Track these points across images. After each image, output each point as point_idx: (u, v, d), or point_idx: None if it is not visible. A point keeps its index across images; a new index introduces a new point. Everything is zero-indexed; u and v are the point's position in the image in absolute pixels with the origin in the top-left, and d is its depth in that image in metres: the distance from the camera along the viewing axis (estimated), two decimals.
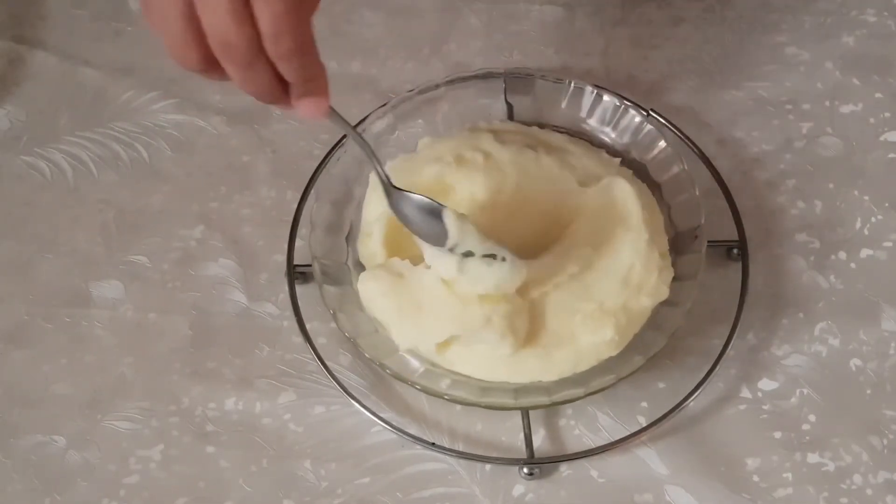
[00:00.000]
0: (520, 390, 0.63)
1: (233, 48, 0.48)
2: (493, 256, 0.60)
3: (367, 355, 0.63)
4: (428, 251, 0.62)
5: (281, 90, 0.52)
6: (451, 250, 0.60)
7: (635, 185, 0.68)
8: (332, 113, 0.55)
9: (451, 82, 0.74)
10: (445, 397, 0.62)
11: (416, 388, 0.62)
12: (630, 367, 0.62)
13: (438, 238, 0.60)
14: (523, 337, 0.63)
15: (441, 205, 0.60)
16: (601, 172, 0.69)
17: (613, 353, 0.63)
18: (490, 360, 0.63)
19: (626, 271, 0.64)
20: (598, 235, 0.65)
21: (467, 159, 0.68)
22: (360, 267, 0.68)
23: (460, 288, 0.61)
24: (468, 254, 0.60)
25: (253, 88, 0.51)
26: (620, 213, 0.66)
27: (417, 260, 0.63)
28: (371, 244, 0.67)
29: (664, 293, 0.64)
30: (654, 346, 0.63)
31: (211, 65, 0.50)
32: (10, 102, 0.80)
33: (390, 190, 0.61)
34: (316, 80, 0.52)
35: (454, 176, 0.67)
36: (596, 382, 0.62)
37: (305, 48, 0.50)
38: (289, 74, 0.51)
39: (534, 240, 0.66)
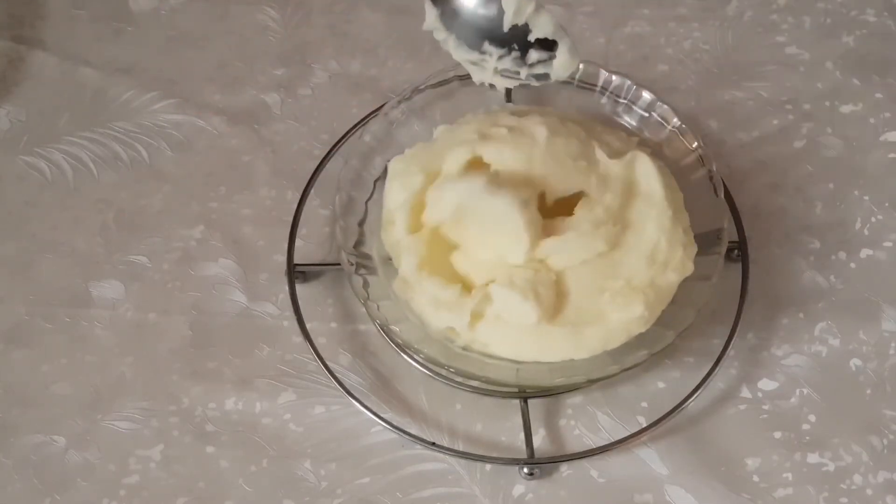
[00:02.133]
0: (554, 370, 0.63)
1: None
2: (549, 47, 0.56)
3: (400, 341, 0.63)
4: (474, 68, 0.59)
5: None
6: (503, 45, 0.57)
7: (655, 162, 0.68)
8: None
9: (461, 77, 0.74)
10: (481, 379, 0.62)
11: (450, 371, 0.62)
12: (662, 343, 0.62)
13: (489, 29, 0.57)
14: (549, 308, 0.62)
15: None
16: (622, 148, 0.69)
17: (643, 329, 0.63)
18: (521, 336, 0.63)
19: (652, 248, 0.64)
20: (621, 211, 0.65)
21: (492, 134, 0.67)
22: (385, 255, 0.68)
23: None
24: (521, 44, 0.57)
25: None
26: (643, 188, 0.66)
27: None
28: (395, 232, 0.67)
29: (690, 268, 0.64)
30: (684, 320, 0.63)
31: None
32: (10, 102, 0.80)
33: None
34: None
35: (483, 150, 0.67)
36: (630, 359, 0.62)
37: None
38: None
39: (561, 207, 0.66)
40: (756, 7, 0.84)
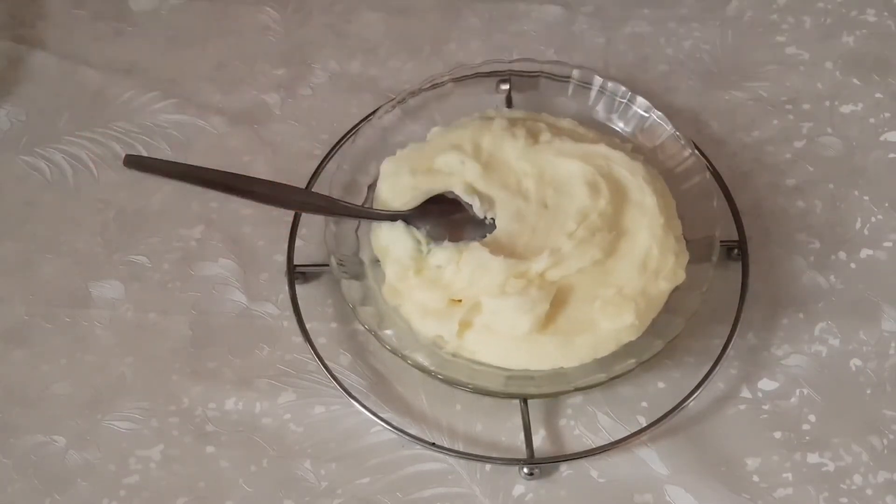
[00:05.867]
0: (542, 378, 0.63)
1: None
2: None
3: (387, 348, 0.63)
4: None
5: None
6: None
7: (648, 170, 0.68)
8: None
9: (457, 79, 0.74)
10: (469, 388, 0.62)
11: (438, 379, 0.62)
12: (650, 351, 0.62)
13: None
14: (542, 317, 0.63)
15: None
16: (614, 157, 0.69)
17: (633, 338, 0.63)
18: (510, 344, 0.63)
19: (644, 256, 0.64)
20: (614, 220, 0.66)
21: (483, 156, 0.68)
22: (374, 259, 0.68)
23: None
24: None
25: None
26: (635, 197, 0.66)
27: None
28: (383, 236, 0.67)
29: (681, 276, 0.65)
30: (673, 329, 0.63)
31: None
32: (10, 102, 0.80)
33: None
34: None
35: (470, 173, 0.68)
36: (618, 367, 0.62)
37: None
38: None
39: (553, 224, 0.66)
40: (756, 7, 0.84)
